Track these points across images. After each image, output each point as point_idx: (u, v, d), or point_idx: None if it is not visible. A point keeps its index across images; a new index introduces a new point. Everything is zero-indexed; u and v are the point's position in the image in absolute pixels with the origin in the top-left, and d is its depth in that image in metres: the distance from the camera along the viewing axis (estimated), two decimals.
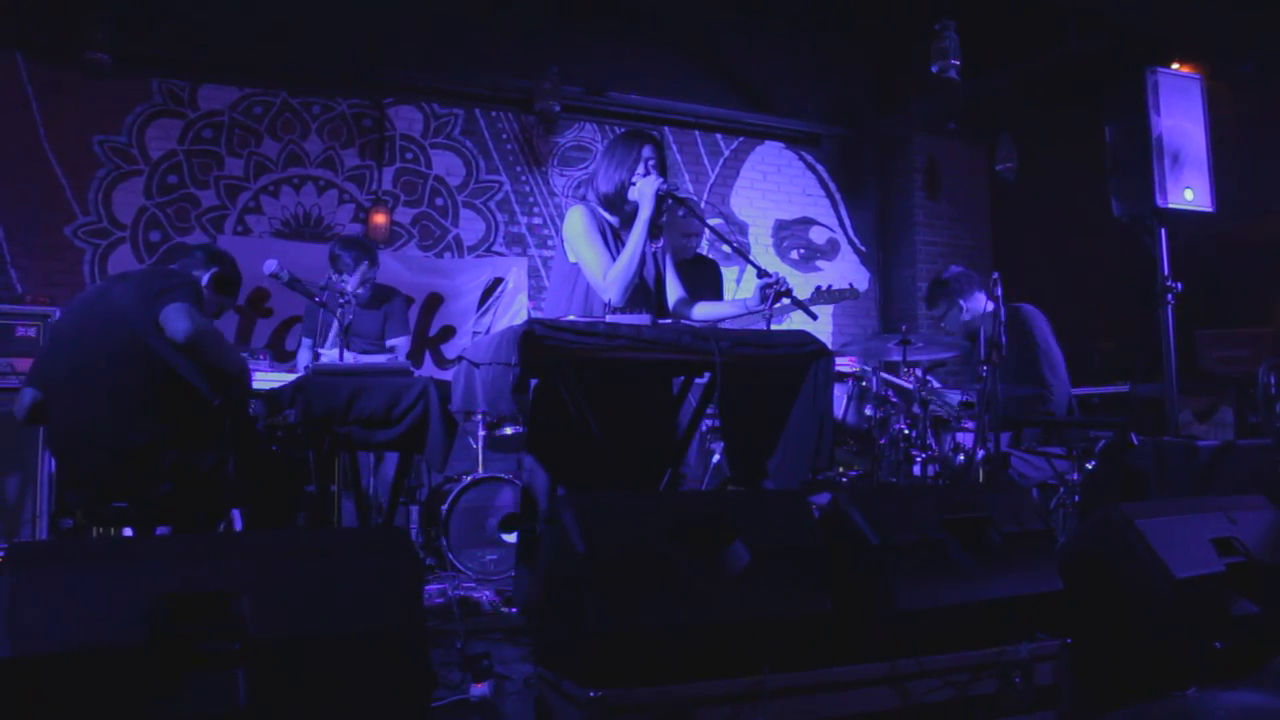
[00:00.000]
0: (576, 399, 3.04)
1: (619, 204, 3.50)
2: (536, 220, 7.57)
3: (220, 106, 6.79)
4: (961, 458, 4.56)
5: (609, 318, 3.24)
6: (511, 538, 4.78)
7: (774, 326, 3.40)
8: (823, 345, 3.18)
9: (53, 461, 4.85)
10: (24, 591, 1.78)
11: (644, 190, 3.39)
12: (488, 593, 4.28)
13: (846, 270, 8.59)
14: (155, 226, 6.57)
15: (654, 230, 3.46)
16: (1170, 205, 4.56)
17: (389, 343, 5.23)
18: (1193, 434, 6.24)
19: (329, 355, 4.13)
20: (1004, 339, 4.03)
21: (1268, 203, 6.41)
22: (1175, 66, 5.01)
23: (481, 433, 5.32)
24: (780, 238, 8.37)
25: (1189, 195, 4.61)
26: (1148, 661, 2.78)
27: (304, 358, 5.29)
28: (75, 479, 3.30)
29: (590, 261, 3.39)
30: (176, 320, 3.20)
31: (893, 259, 8.67)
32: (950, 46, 6.14)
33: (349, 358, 3.90)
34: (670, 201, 3.49)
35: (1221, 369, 6.66)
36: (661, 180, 3.41)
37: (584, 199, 3.59)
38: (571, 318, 3.12)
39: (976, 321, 4.87)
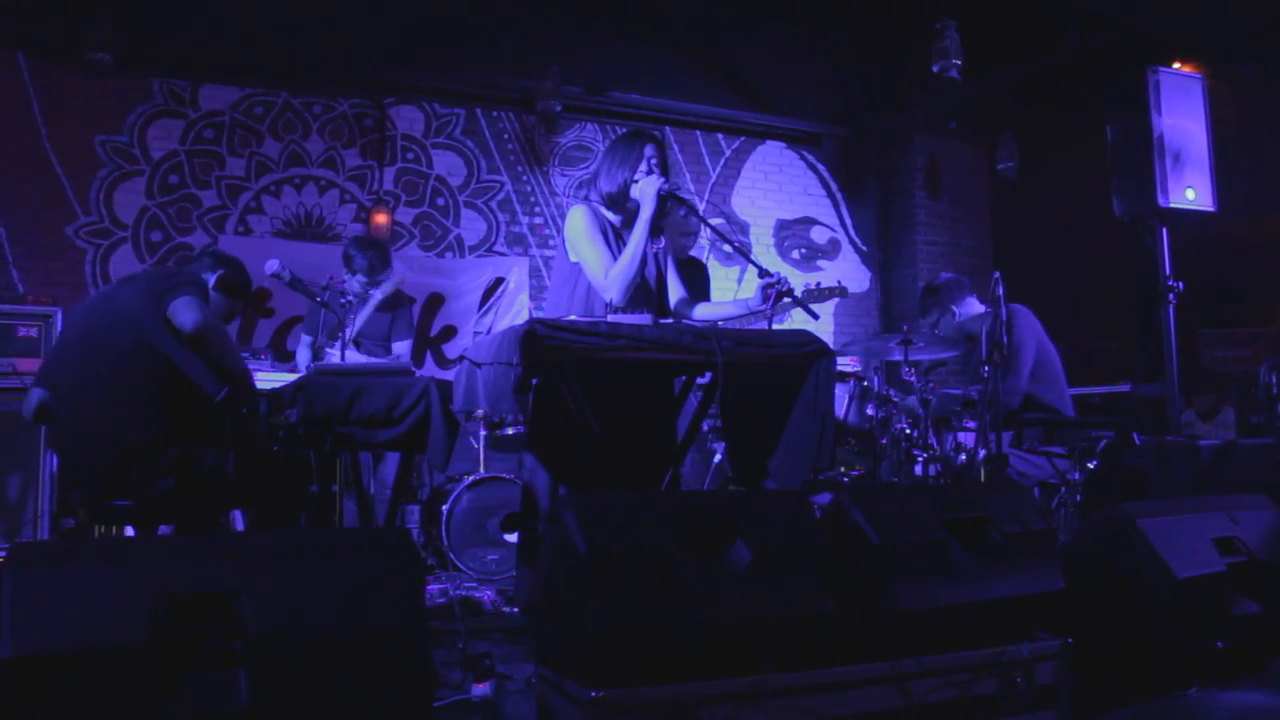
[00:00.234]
0: (577, 398, 3.04)
1: (621, 202, 3.50)
2: (538, 220, 7.57)
3: (221, 106, 6.79)
4: (963, 457, 4.56)
5: (610, 317, 3.24)
6: (513, 538, 4.78)
7: (775, 326, 3.40)
8: (824, 345, 3.18)
9: (54, 461, 4.86)
10: (26, 591, 1.78)
11: (646, 190, 3.39)
12: (489, 592, 4.28)
13: (848, 270, 8.59)
14: (157, 226, 6.58)
15: (655, 230, 3.46)
16: (1172, 204, 4.56)
17: (394, 345, 5.24)
18: (1196, 433, 6.24)
19: (336, 355, 4.15)
20: (1005, 338, 4.03)
21: (1269, 202, 6.41)
22: (1177, 66, 5.00)
23: (483, 432, 5.33)
24: (781, 237, 8.37)
25: (1190, 195, 4.61)
26: (1149, 661, 2.78)
27: (303, 356, 5.29)
28: (77, 476, 3.33)
29: (592, 261, 3.39)
30: (184, 312, 3.25)
31: (894, 258, 8.67)
32: (951, 46, 6.14)
33: (354, 358, 3.91)
34: (672, 202, 3.50)
35: (1223, 369, 6.67)
36: (663, 180, 3.41)
37: (586, 199, 3.59)
38: (573, 317, 3.12)
39: (969, 323, 4.89)
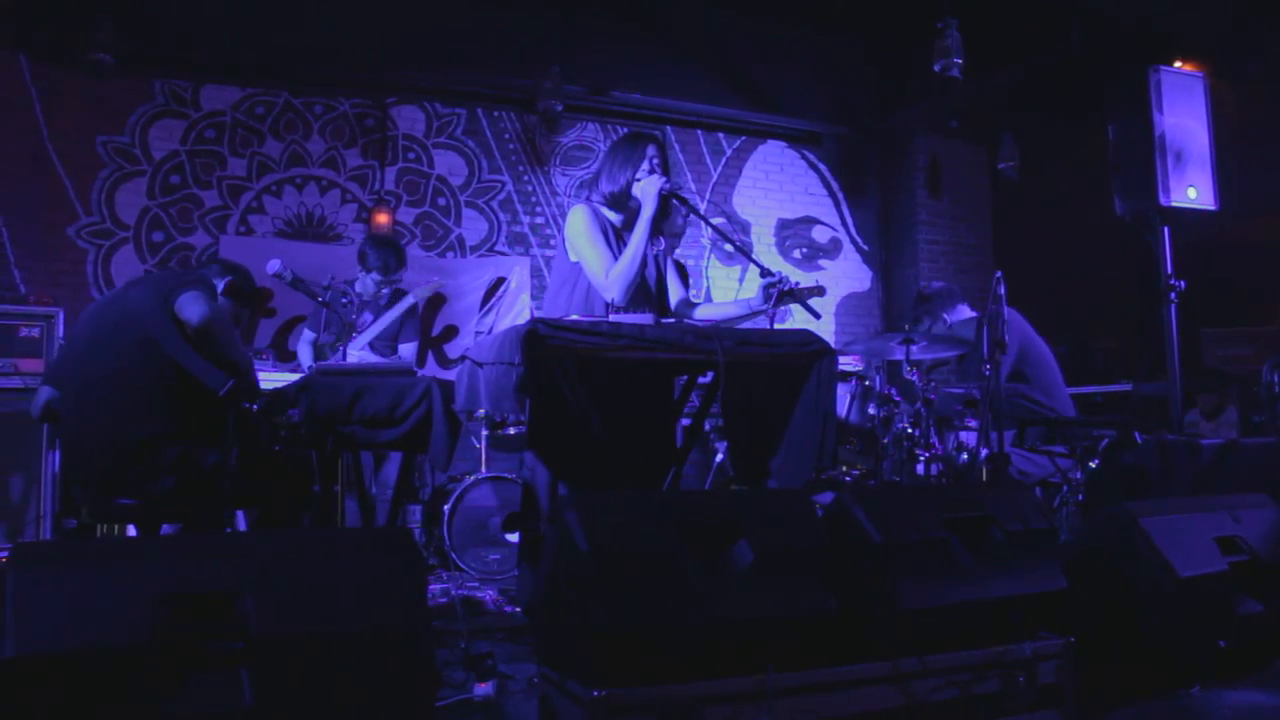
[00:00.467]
0: (579, 397, 3.04)
1: (623, 202, 3.49)
2: (539, 220, 7.57)
3: (223, 107, 6.80)
4: (965, 456, 4.56)
5: (613, 317, 3.24)
6: (514, 537, 4.78)
7: (777, 326, 3.40)
8: (826, 344, 3.18)
9: (56, 461, 4.87)
10: (28, 591, 1.78)
11: (647, 189, 3.39)
12: (491, 592, 4.28)
13: (849, 269, 8.59)
14: (158, 227, 6.58)
15: (657, 229, 3.46)
16: (1173, 203, 4.56)
17: (400, 346, 5.24)
18: (1200, 432, 6.25)
19: (355, 354, 4.17)
20: (1006, 338, 4.04)
21: (1271, 201, 6.41)
22: (1178, 65, 5.01)
23: (484, 432, 5.33)
24: (783, 237, 8.37)
25: (1192, 193, 4.61)
26: (1152, 660, 2.78)
27: (305, 354, 5.30)
28: (80, 472, 3.35)
29: (592, 260, 3.39)
30: (191, 306, 3.29)
31: (895, 258, 8.67)
32: (953, 45, 6.14)
33: (354, 357, 3.91)
34: (674, 201, 3.49)
35: (1225, 367, 6.67)
36: (665, 180, 3.41)
37: (587, 199, 3.59)
38: (575, 317, 3.12)
39: (960, 328, 4.94)
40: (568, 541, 2.16)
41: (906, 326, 5.02)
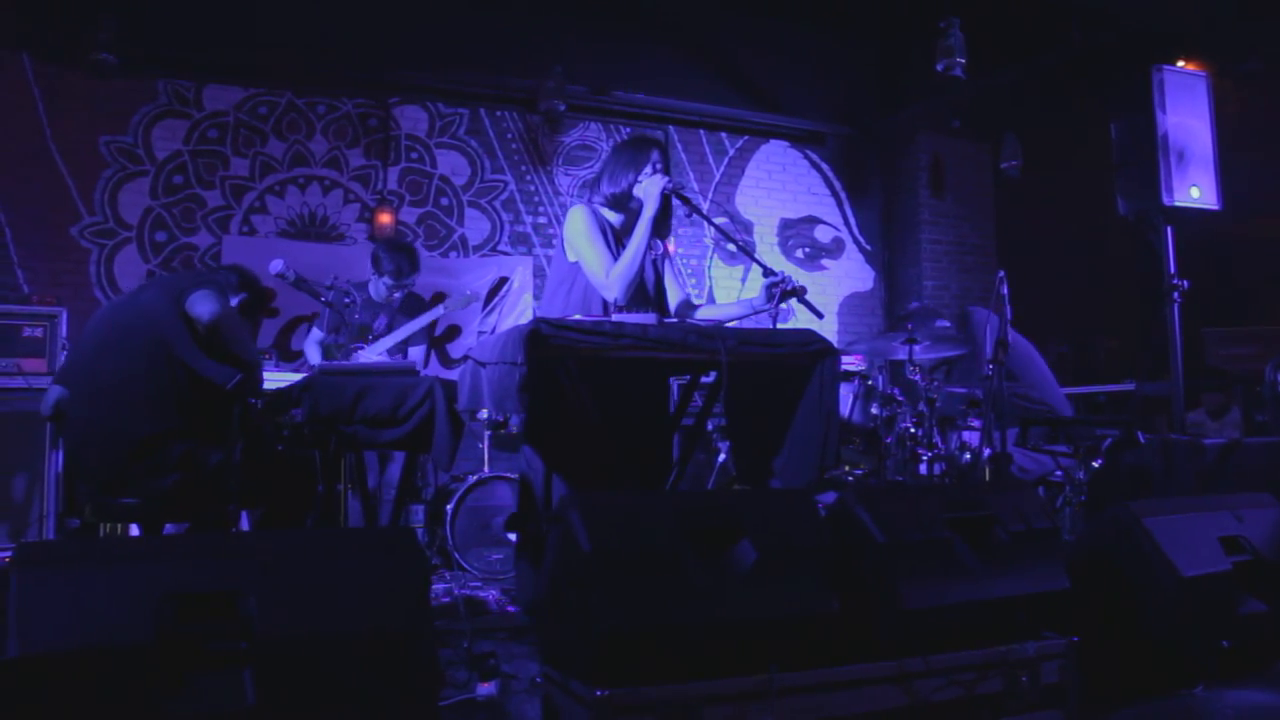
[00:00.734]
0: (581, 395, 3.04)
1: (624, 203, 3.49)
2: (542, 219, 7.57)
3: (225, 107, 6.80)
4: (968, 456, 4.56)
5: (615, 316, 3.23)
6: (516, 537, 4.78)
7: (780, 325, 3.40)
8: (828, 344, 3.18)
9: (60, 461, 4.87)
10: (32, 591, 1.78)
11: (650, 189, 3.38)
12: (494, 592, 4.28)
13: (852, 269, 8.59)
14: (161, 227, 6.59)
15: (658, 229, 3.45)
16: (1176, 203, 4.55)
17: (411, 350, 5.24)
18: (1206, 431, 6.24)
19: (375, 358, 4.19)
20: (1009, 338, 4.04)
21: (1274, 200, 6.40)
22: (1181, 64, 5.00)
23: (487, 432, 5.33)
24: (785, 236, 8.37)
25: (1195, 193, 4.60)
26: (1155, 660, 2.78)
27: (313, 353, 5.30)
28: (84, 470, 3.36)
29: (591, 260, 3.38)
30: (202, 303, 3.34)
31: (898, 257, 8.66)
32: (955, 44, 6.14)
33: (361, 357, 3.92)
34: (676, 200, 3.49)
35: (1228, 367, 6.66)
36: (667, 179, 3.41)
37: (587, 201, 3.59)
38: (578, 317, 3.11)
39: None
40: (570, 541, 2.16)
41: (910, 326, 5.03)
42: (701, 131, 8.11)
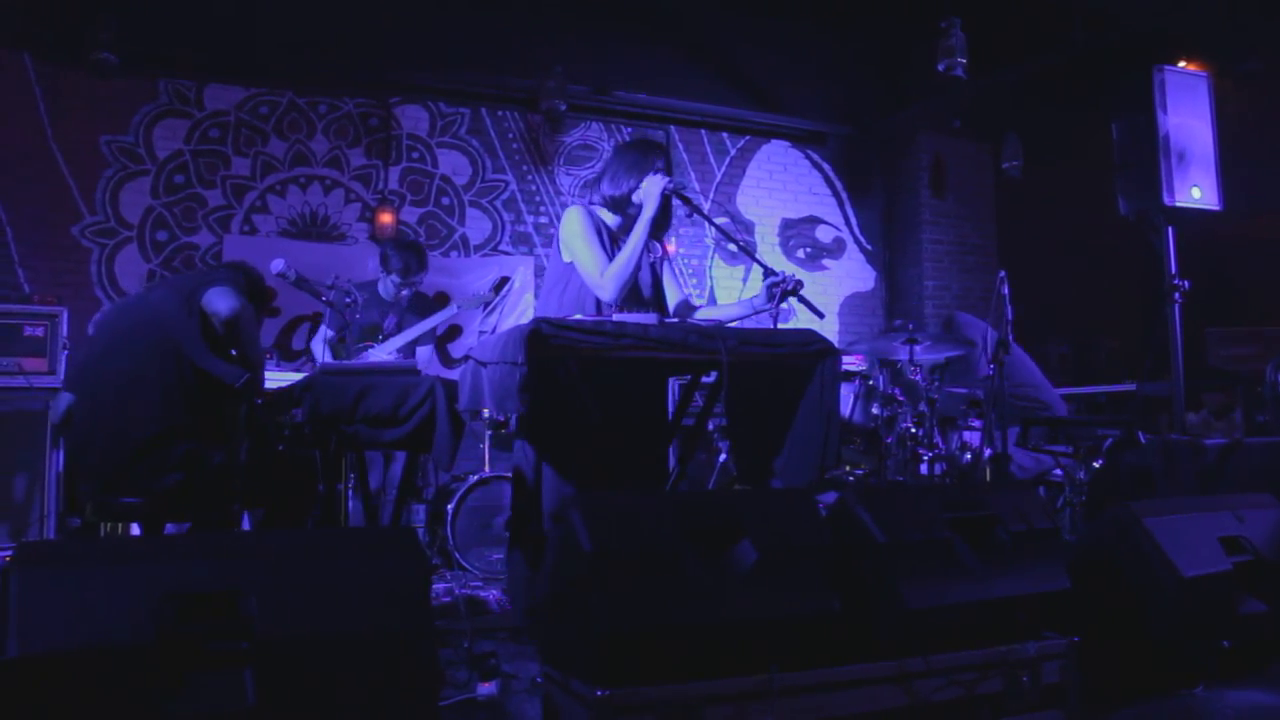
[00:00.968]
0: (581, 395, 3.04)
1: (623, 206, 3.49)
2: (543, 219, 7.57)
3: (226, 106, 6.80)
4: (968, 456, 4.56)
5: (616, 316, 3.23)
6: None
7: (780, 325, 3.40)
8: (829, 344, 3.18)
9: (60, 461, 4.87)
10: (32, 591, 1.78)
11: (650, 189, 3.38)
12: (494, 592, 4.28)
13: (853, 269, 8.59)
14: (162, 226, 6.59)
15: (655, 230, 3.44)
16: (1177, 203, 4.55)
17: (418, 349, 5.24)
18: (1209, 432, 6.24)
19: (385, 357, 4.20)
20: (1010, 338, 4.04)
21: (1275, 200, 6.40)
22: (1182, 64, 4.99)
23: (488, 432, 5.33)
24: (786, 236, 8.37)
25: (1196, 193, 4.60)
26: (1155, 660, 2.77)
27: (322, 353, 5.30)
28: (86, 469, 3.36)
29: (586, 260, 3.38)
30: (222, 299, 3.35)
31: (899, 257, 8.66)
32: (956, 44, 6.13)
33: (371, 356, 3.93)
34: (677, 200, 3.48)
35: (1229, 367, 6.66)
36: (668, 179, 3.40)
37: (586, 202, 3.59)
38: (579, 317, 3.11)
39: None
40: (571, 541, 2.16)
41: (911, 325, 5.03)
42: (703, 131, 8.11)
